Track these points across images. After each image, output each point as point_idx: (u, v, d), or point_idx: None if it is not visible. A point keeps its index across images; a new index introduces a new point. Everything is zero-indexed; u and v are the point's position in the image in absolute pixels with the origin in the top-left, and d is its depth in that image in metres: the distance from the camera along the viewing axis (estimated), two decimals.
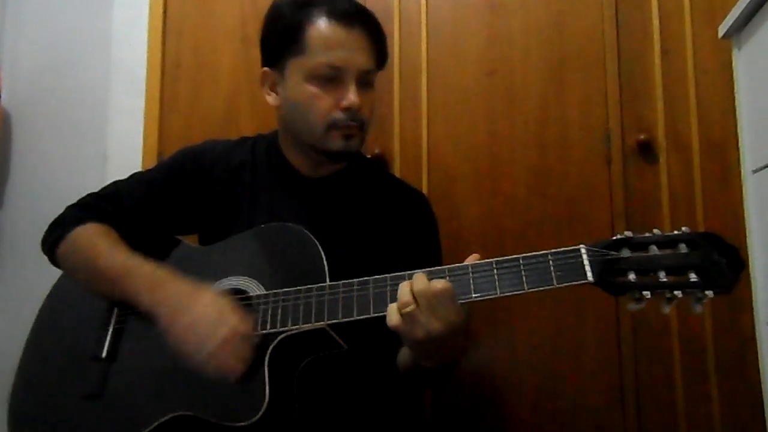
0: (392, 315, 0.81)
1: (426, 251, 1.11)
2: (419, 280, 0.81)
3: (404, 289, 0.81)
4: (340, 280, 0.90)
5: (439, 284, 0.79)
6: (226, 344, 0.85)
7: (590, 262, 0.80)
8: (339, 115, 1.01)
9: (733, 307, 1.34)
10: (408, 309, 0.79)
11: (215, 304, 0.89)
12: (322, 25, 1.01)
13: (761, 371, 1.24)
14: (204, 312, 0.87)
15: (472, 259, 0.84)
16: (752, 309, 1.28)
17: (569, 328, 1.42)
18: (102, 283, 0.99)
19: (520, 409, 1.43)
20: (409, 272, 0.87)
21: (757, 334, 1.27)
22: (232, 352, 0.86)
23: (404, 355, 1.00)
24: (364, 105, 1.03)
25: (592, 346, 1.41)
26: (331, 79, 1.01)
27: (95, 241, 1.02)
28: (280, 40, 1.04)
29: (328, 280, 0.91)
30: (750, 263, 1.27)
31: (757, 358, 1.26)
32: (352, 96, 1.00)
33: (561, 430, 1.40)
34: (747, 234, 1.28)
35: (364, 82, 1.04)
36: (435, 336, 0.79)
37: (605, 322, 1.41)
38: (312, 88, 1.01)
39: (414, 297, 0.79)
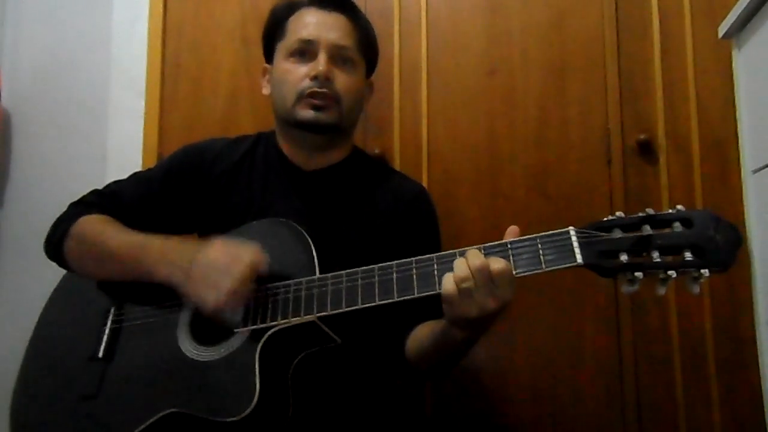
0: (448, 284, 0.78)
1: (425, 243, 1.09)
2: (475, 256, 0.78)
3: (461, 264, 0.78)
4: (336, 272, 0.89)
5: (499, 264, 0.77)
6: (244, 280, 0.87)
7: (580, 243, 0.78)
8: (307, 83, 1.05)
9: (733, 307, 1.34)
10: (466, 284, 0.77)
11: (226, 248, 0.90)
12: (301, 12, 1.11)
13: (761, 371, 1.24)
14: (216, 257, 0.88)
15: (510, 233, 0.82)
16: (752, 309, 1.29)
17: (569, 326, 1.42)
18: (114, 264, 0.99)
19: (519, 408, 1.43)
20: (396, 262, 0.86)
21: (757, 334, 1.27)
22: (248, 287, 0.88)
23: (427, 329, 0.96)
24: (339, 80, 1.06)
25: (592, 346, 1.41)
26: (304, 52, 1.07)
27: (102, 227, 1.03)
28: (271, 35, 1.14)
29: (318, 272, 0.91)
30: (750, 263, 1.27)
31: (757, 358, 1.26)
32: (320, 65, 1.04)
33: (560, 431, 1.40)
34: (747, 234, 1.28)
35: (341, 60, 1.08)
36: (488, 313, 0.77)
37: (605, 322, 1.41)
38: (288, 64, 1.08)
39: (471, 273, 0.77)
